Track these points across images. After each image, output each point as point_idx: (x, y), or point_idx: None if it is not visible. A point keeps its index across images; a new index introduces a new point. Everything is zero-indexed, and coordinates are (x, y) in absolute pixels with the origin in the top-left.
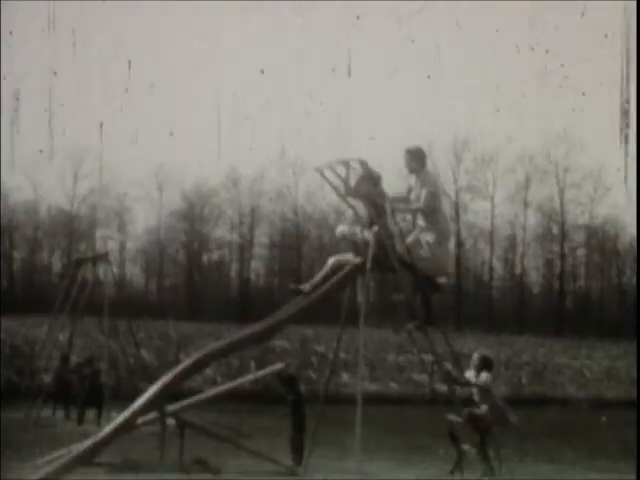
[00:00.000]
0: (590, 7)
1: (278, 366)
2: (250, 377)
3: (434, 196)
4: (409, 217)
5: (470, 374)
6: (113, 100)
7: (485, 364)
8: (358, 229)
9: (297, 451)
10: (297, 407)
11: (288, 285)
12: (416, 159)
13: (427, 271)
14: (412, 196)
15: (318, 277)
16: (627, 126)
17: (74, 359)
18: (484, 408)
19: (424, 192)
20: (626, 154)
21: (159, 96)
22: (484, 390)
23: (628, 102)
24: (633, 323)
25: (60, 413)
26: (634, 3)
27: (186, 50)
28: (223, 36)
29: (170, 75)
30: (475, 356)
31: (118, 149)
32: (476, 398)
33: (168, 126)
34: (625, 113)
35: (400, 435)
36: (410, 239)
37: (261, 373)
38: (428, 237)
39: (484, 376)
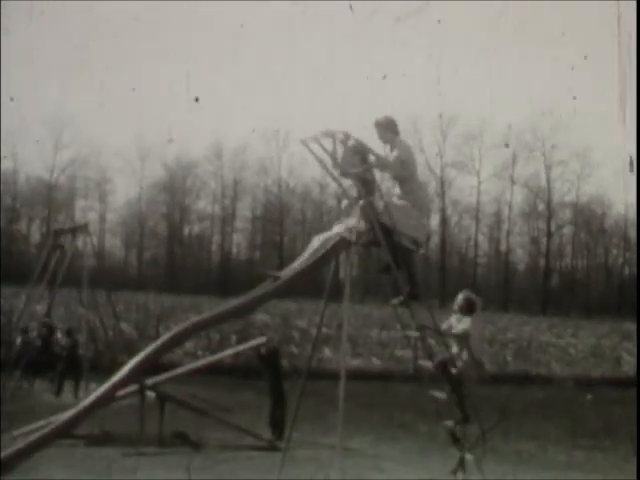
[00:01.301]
0: None
1: (261, 340)
2: (231, 351)
3: (404, 164)
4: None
5: (453, 318)
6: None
7: (469, 306)
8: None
9: (277, 426)
10: (276, 382)
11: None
12: (387, 129)
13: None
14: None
15: (299, 261)
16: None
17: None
18: (464, 356)
19: (393, 155)
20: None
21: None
22: (464, 338)
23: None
24: (618, 302)
25: (38, 385)
26: (634, 3)
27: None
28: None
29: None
30: (459, 297)
31: (99, 119)
32: (455, 348)
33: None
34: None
35: (382, 411)
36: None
37: (243, 347)
38: (400, 203)
39: (466, 321)
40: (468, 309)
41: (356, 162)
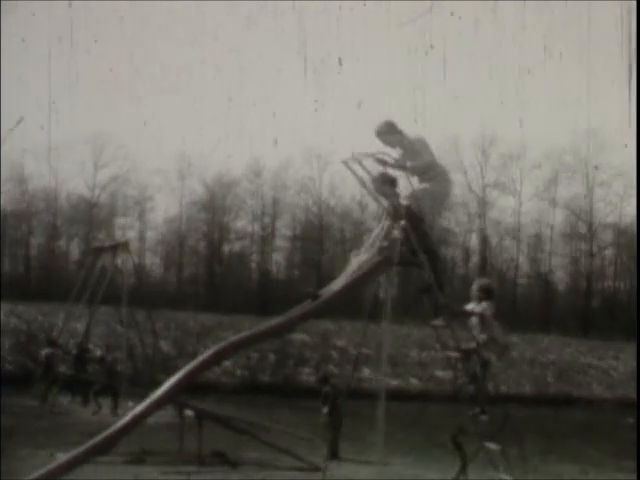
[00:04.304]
0: None
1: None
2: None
3: (415, 152)
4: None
5: (470, 305)
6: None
7: (485, 293)
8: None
9: (333, 447)
10: (330, 406)
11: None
12: (389, 133)
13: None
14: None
15: (338, 281)
16: None
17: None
18: (482, 338)
19: (399, 153)
20: None
21: (185, 85)
22: (483, 319)
23: None
24: None
25: (77, 401)
26: (634, 3)
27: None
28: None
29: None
30: (474, 286)
31: (140, 137)
32: (475, 331)
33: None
34: None
35: (421, 431)
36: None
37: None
38: (422, 186)
39: (483, 305)
40: (484, 296)
41: (386, 189)
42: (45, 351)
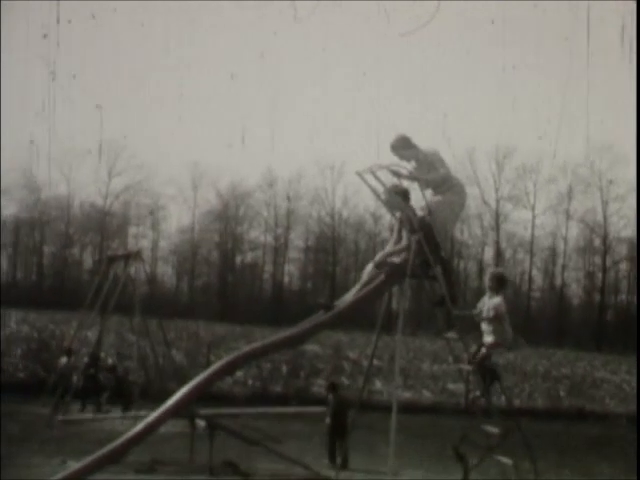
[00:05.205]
0: None
1: (320, 409)
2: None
3: (430, 165)
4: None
5: (486, 298)
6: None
7: (499, 283)
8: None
9: (338, 456)
10: (335, 415)
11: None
12: (404, 148)
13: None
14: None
15: (352, 292)
16: None
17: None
18: (496, 331)
19: (413, 167)
20: None
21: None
22: (496, 315)
23: None
24: None
25: (88, 410)
26: (634, 3)
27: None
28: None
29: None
30: (489, 275)
31: (153, 147)
32: (484, 328)
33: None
34: None
35: (433, 444)
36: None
37: (304, 410)
38: (436, 199)
39: (496, 300)
40: (497, 286)
41: (398, 202)
42: (62, 360)
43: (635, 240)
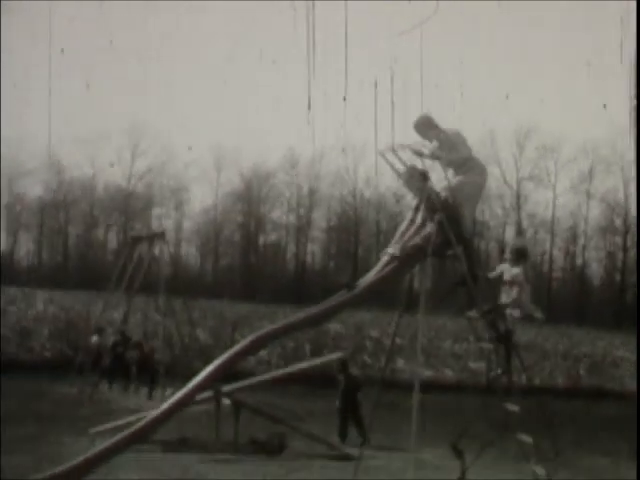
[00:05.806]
0: None
1: (336, 355)
2: (306, 364)
3: (452, 145)
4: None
5: (503, 267)
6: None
7: (519, 256)
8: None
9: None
10: (346, 391)
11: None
12: (426, 126)
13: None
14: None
15: (374, 271)
16: None
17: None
18: (513, 299)
19: (434, 146)
20: None
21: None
22: (513, 286)
23: None
24: None
25: (116, 388)
26: (634, 3)
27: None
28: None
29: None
30: (509, 247)
31: (176, 128)
32: (504, 299)
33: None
34: None
35: (455, 423)
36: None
37: (318, 360)
38: (458, 178)
39: (514, 270)
40: (518, 258)
41: (416, 182)
42: (93, 338)
43: None
